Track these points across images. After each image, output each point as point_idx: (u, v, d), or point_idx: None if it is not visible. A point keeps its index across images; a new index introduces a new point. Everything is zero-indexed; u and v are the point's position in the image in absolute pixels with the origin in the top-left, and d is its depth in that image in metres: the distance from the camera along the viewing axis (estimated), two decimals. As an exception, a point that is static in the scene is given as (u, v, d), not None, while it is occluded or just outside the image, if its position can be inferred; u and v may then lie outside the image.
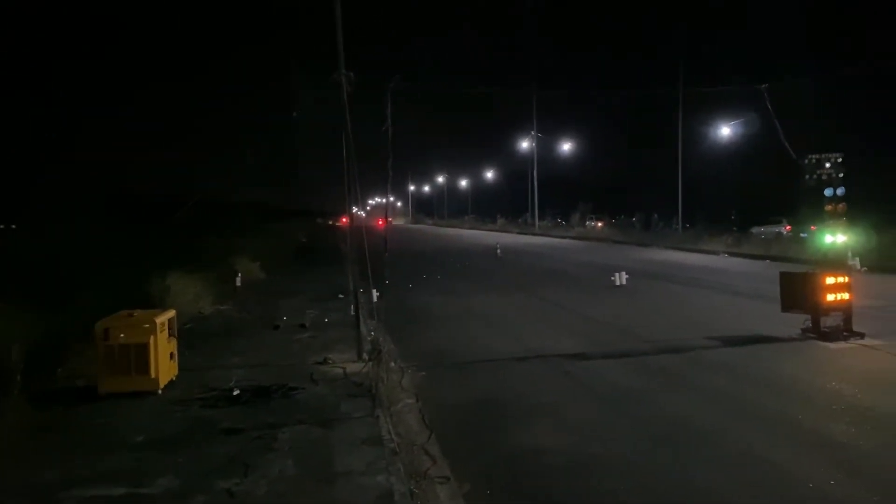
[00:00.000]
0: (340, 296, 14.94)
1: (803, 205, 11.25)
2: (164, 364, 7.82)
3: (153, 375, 7.58)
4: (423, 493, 5.22)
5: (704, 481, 5.44)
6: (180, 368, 8.38)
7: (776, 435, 6.45)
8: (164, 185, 25.90)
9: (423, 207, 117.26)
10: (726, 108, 34.23)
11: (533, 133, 56.52)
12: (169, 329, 8.06)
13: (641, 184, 59.57)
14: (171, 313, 8.33)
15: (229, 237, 21.88)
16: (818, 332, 10.43)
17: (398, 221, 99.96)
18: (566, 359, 9.86)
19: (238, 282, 17.71)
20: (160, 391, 7.66)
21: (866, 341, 10.20)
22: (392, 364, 9.17)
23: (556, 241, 44.28)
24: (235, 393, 7.66)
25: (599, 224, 53.19)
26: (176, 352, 8.29)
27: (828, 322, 10.51)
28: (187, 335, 10.40)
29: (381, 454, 5.74)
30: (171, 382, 7.99)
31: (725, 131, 33.73)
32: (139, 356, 7.50)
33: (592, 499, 5.26)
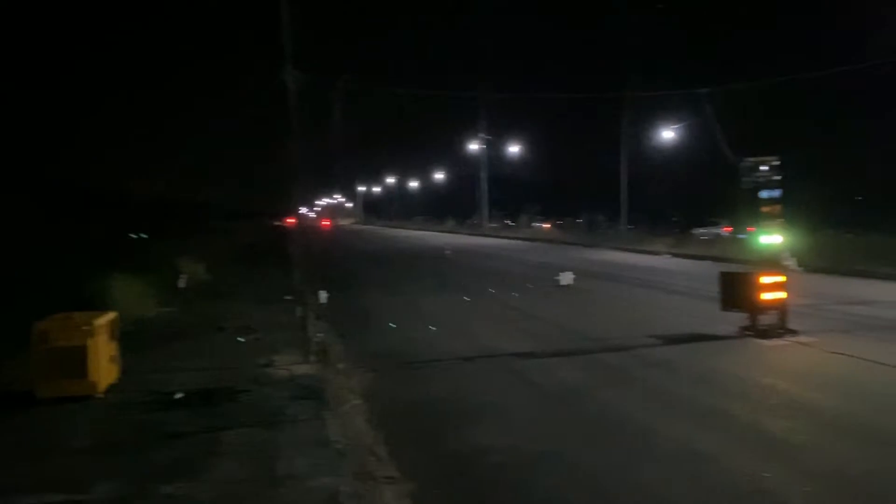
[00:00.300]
0: (288, 297, 14.80)
1: (741, 207, 11.57)
2: (105, 367, 7.64)
3: (93, 379, 7.39)
4: (370, 493, 5.23)
5: (645, 476, 5.57)
6: (122, 372, 8.19)
7: (714, 429, 6.65)
8: (112, 183, 25.26)
9: (373, 208, 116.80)
10: (670, 111, 35.00)
11: (481, 135, 56.89)
12: (109, 331, 7.88)
13: (587, 185, 60.50)
14: (112, 315, 8.15)
15: (175, 237, 21.49)
16: (755, 330, 10.77)
17: (345, 222, 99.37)
18: (514, 358, 9.97)
19: (183, 283, 17.37)
20: (100, 395, 7.49)
21: (800, 338, 10.57)
22: (340, 365, 9.16)
23: (505, 241, 44.63)
24: (179, 396, 7.54)
25: (547, 225, 53.76)
26: (117, 355, 8.11)
27: (765, 320, 10.86)
28: (129, 338, 10.14)
29: (328, 456, 5.72)
30: (111, 386, 7.81)
31: (668, 134, 34.50)
32: (78, 359, 7.30)
33: (536, 496, 5.33)
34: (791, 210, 12.13)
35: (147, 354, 9.69)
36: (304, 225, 9.81)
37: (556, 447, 6.30)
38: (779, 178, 10.98)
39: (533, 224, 55.45)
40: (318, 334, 10.63)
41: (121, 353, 8.26)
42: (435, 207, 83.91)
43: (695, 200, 46.65)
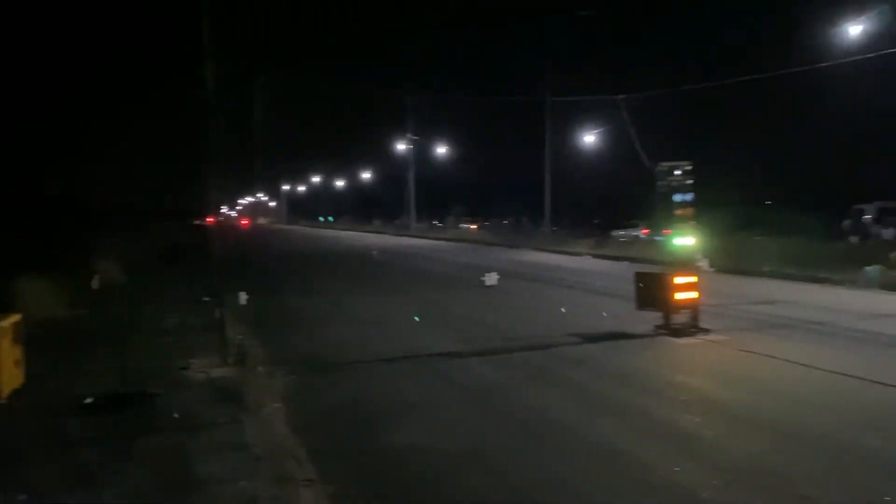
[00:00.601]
0: (206, 298, 14.43)
1: (657, 209, 11.95)
2: (9, 371, 7.29)
3: (-6, 384, 7.03)
4: (289, 496, 5.16)
5: (563, 473, 5.68)
6: (28, 376, 7.81)
7: (629, 426, 6.84)
8: (22, 183, 23.99)
9: (298, 208, 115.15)
10: (594, 116, 35.84)
11: (409, 135, 56.91)
12: (13, 334, 7.51)
13: (513, 187, 61.40)
14: (16, 318, 7.76)
15: (88, 237, 20.67)
16: (669, 329, 11.15)
17: (263, 220, 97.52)
18: (438, 358, 10.01)
19: (96, 284, 16.72)
20: (3, 401, 7.13)
21: (712, 336, 11.00)
22: (259, 368, 9.00)
23: (432, 242, 44.78)
24: (88, 401, 7.24)
25: (473, 226, 54.26)
26: (22, 359, 7.73)
27: (678, 319, 11.25)
28: (37, 341, 9.69)
29: (245, 460, 5.61)
30: (15, 392, 7.43)
31: (590, 139, 35.33)
32: (-22, 364, 6.93)
33: (457, 495, 5.37)
34: (703, 213, 12.60)
35: (56, 358, 9.26)
36: (225, 225, 9.55)
37: (478, 447, 6.35)
38: (691, 181, 11.40)
39: (460, 225, 55.85)
40: (238, 336, 10.42)
41: (27, 356, 7.87)
42: (362, 207, 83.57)
43: (615, 203, 47.99)
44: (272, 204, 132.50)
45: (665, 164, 11.35)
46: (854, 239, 31.44)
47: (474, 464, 5.93)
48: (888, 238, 27.83)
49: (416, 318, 12.45)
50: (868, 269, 17.85)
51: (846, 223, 35.40)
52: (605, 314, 12.53)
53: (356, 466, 5.99)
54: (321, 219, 79.00)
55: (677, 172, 11.28)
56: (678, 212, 11.31)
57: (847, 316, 12.95)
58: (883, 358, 9.51)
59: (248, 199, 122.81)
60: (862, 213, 35.55)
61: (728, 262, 21.63)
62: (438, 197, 64.50)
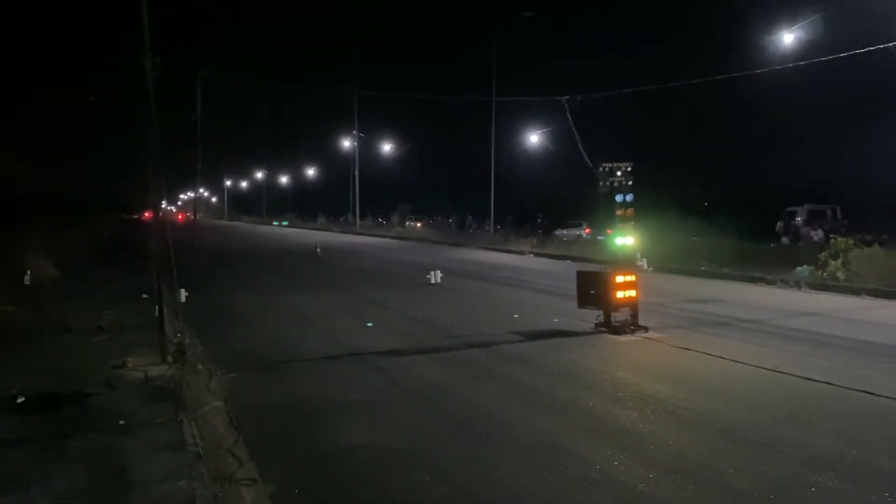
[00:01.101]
0: (145, 296, 14.09)
1: (599, 209, 12.18)
2: (-68, 372, 6.98)
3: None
4: (228, 496, 5.10)
5: (505, 470, 5.76)
6: (-48, 377, 7.52)
7: (569, 422, 6.98)
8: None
9: (240, 204, 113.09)
10: (538, 115, 36.25)
11: (355, 132, 56.56)
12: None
13: (458, 186, 61.69)
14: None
15: (19, 232, 19.93)
16: (609, 327, 11.38)
17: (199, 216, 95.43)
18: (380, 356, 10.01)
19: (27, 280, 16.13)
20: (-74, 403, 6.84)
21: (650, 334, 11.28)
22: (199, 366, 8.83)
23: (377, 240, 44.63)
24: (19, 401, 7.00)
25: (418, 224, 54.27)
26: (-54, 358, 7.43)
27: (618, 317, 11.49)
28: (-38, 340, 9.34)
29: (184, 459, 5.51)
30: (-61, 393, 7.15)
31: (534, 139, 35.72)
32: None
33: (397, 493, 5.39)
34: (642, 214, 12.88)
35: (-17, 357, 8.93)
36: (163, 219, 9.31)
37: (420, 444, 6.38)
38: (632, 182, 11.65)
39: (405, 223, 55.78)
40: (177, 334, 10.20)
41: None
42: (306, 204, 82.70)
43: (558, 202, 48.70)
44: (213, 199, 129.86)
45: (606, 165, 11.58)
46: (786, 240, 32.65)
47: (416, 462, 5.96)
48: (817, 240, 28.91)
49: (370, 325, 12.41)
50: (799, 269, 18.58)
51: (779, 225, 36.69)
52: (556, 320, 12.68)
53: (298, 465, 5.96)
54: (276, 223, 77.11)
55: (618, 173, 11.51)
56: (619, 212, 11.55)
57: (778, 314, 13.45)
58: (810, 355, 9.90)
59: (190, 194, 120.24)
60: (793, 215, 36.89)
61: (666, 261, 22.19)
62: (384, 195, 64.43)
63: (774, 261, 19.99)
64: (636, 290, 11.58)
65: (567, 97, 16.88)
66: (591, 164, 12.36)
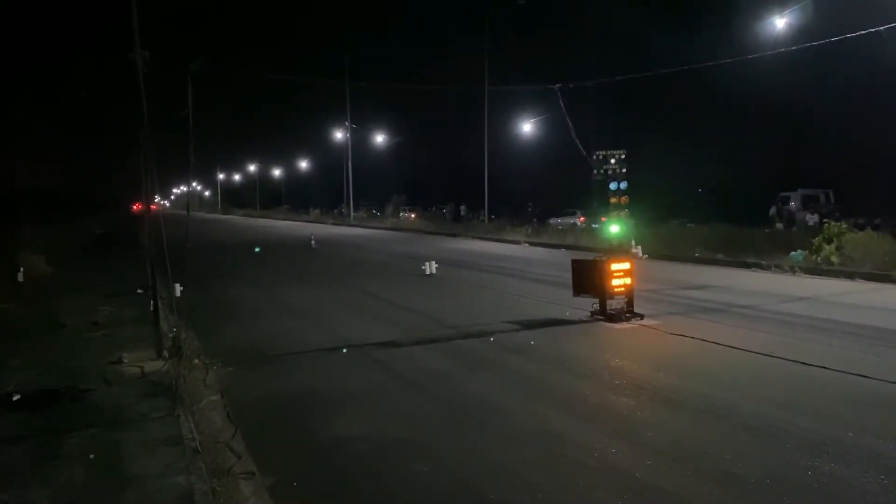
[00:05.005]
0: (139, 291, 14.06)
1: (593, 197, 12.20)
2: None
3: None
4: (227, 490, 5.10)
5: (504, 458, 5.77)
6: (-53, 375, 7.49)
7: (567, 410, 6.99)
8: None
9: (233, 197, 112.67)
10: (529, 104, 36.19)
11: (347, 124, 56.36)
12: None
13: (452, 176, 61.63)
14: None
15: (12, 227, 19.84)
16: (605, 314, 11.40)
17: (198, 211, 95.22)
18: (377, 347, 10.00)
19: (20, 277, 16.07)
20: (-79, 401, 6.81)
21: (645, 321, 11.30)
22: (196, 361, 8.81)
23: (371, 231, 44.57)
24: (16, 398, 6.98)
25: (412, 215, 54.19)
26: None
27: (613, 305, 11.51)
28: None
29: (182, 454, 5.51)
30: (-66, 391, 7.12)
31: (527, 127, 35.66)
32: None
33: (397, 482, 5.40)
34: (636, 201, 12.90)
35: (-23, 355, 8.90)
36: (156, 214, 9.28)
37: (419, 435, 6.39)
38: (626, 170, 11.66)
39: (399, 214, 55.69)
40: (173, 329, 10.17)
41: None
42: (300, 197, 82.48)
43: (553, 191, 48.72)
44: (207, 193, 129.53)
45: (601, 153, 11.57)
46: (780, 225, 32.75)
47: (414, 452, 5.96)
48: (811, 224, 29.02)
49: (359, 315, 12.35)
50: (793, 254, 18.63)
51: (772, 210, 36.80)
52: (552, 308, 12.69)
53: (296, 457, 5.96)
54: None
55: (612, 161, 11.51)
56: (614, 199, 11.56)
57: (773, 299, 13.50)
58: (806, 339, 9.94)
59: (183, 188, 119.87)
60: (787, 200, 36.99)
61: (660, 248, 22.22)
62: (377, 186, 64.29)
63: (768, 246, 20.04)
64: (632, 277, 11.59)
65: (559, 85, 16.85)
66: (584, 153, 12.36)
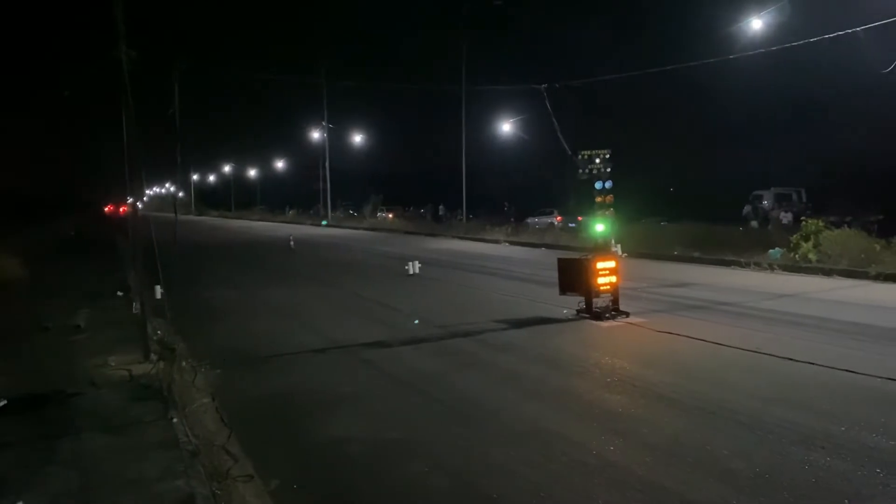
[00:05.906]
0: (119, 293, 13.87)
1: (575, 196, 12.25)
2: None
3: None
4: (227, 493, 5.05)
5: (500, 457, 5.77)
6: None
7: (561, 408, 7.01)
8: None
9: (207, 198, 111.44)
10: (509, 104, 36.28)
11: (324, 123, 56.02)
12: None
13: (430, 175, 61.59)
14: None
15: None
16: (591, 313, 11.46)
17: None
18: (366, 347, 9.96)
19: (-4, 280, 15.76)
20: None
21: (631, 319, 11.38)
22: (184, 363, 8.71)
23: (350, 232, 44.39)
24: (2, 403, 6.84)
25: (391, 215, 54.05)
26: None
27: (599, 303, 11.58)
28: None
29: (178, 457, 5.44)
30: (-83, 397, 6.95)
31: (506, 127, 35.74)
32: None
33: (398, 484, 5.38)
34: (618, 200, 12.97)
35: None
36: (132, 214, 9.15)
37: (414, 434, 6.37)
38: (611, 169, 11.72)
39: (378, 214, 55.50)
40: (157, 331, 10.06)
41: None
42: (276, 197, 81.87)
43: (530, 191, 48.93)
44: (180, 194, 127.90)
45: (586, 153, 11.62)
46: (754, 223, 33.19)
47: (412, 452, 5.95)
48: (786, 222, 29.43)
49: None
50: (771, 251, 18.89)
51: (746, 209, 37.30)
52: (537, 307, 12.72)
53: (293, 459, 5.92)
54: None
55: (597, 160, 11.57)
56: (599, 199, 11.62)
57: (754, 296, 13.67)
58: (790, 335, 10.07)
59: (156, 189, 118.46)
60: (760, 198, 37.51)
61: (639, 247, 22.39)
62: (354, 186, 64.01)
63: (745, 244, 20.28)
64: (617, 275, 11.67)
65: (545, 85, 16.92)
66: (570, 152, 12.41)
